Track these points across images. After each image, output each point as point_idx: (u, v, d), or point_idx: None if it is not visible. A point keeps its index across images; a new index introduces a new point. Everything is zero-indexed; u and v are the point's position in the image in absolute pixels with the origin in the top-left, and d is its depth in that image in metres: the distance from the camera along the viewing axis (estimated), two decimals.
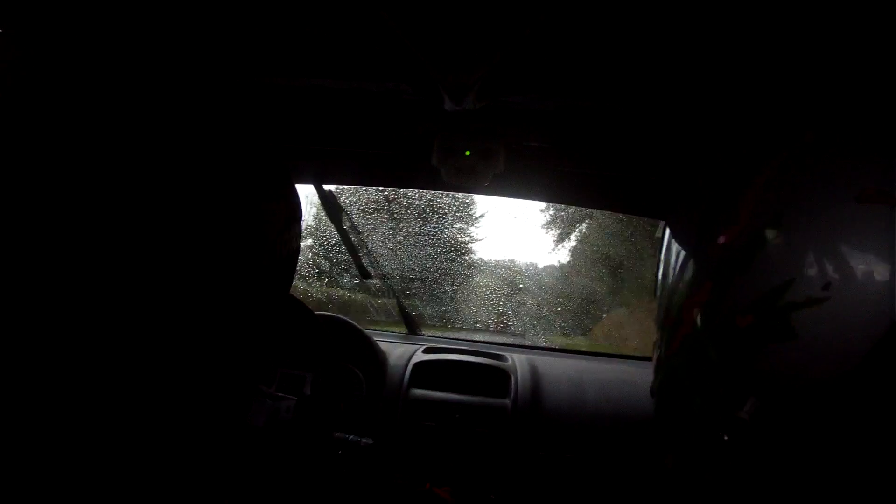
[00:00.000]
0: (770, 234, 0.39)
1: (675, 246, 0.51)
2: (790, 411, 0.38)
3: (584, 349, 1.71)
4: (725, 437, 0.41)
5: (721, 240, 0.43)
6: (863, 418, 0.36)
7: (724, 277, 0.42)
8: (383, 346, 1.48)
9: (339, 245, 1.73)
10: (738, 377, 0.41)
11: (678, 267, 0.48)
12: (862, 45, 0.48)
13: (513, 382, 1.38)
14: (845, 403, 0.37)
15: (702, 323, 0.43)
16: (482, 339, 1.71)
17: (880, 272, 0.36)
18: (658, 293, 0.54)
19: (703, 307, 0.43)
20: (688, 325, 0.45)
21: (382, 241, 2.51)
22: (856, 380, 0.36)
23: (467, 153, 0.91)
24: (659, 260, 0.55)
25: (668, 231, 0.54)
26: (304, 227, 0.62)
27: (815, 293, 0.37)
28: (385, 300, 1.99)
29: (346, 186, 1.84)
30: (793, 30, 0.54)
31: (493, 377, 1.40)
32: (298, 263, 0.61)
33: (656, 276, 0.56)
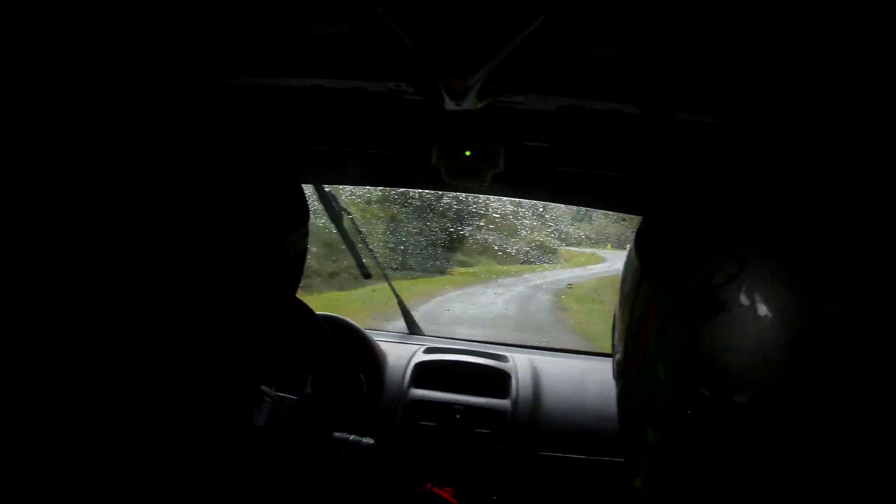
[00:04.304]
0: (694, 248, 0.46)
1: (628, 276, 0.56)
2: (738, 391, 0.40)
3: (585, 349, 1.71)
4: (689, 412, 0.43)
5: (656, 270, 0.49)
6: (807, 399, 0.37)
7: (662, 298, 0.47)
8: (383, 346, 1.48)
9: (340, 245, 1.73)
10: (686, 369, 0.43)
11: (631, 299, 0.53)
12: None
13: (513, 383, 1.37)
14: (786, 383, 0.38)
15: (654, 344, 0.47)
16: (483, 339, 1.71)
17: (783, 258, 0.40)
18: (614, 329, 0.58)
19: (652, 331, 0.48)
20: (641, 354, 0.49)
21: (383, 241, 2.50)
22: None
23: (467, 153, 0.91)
24: (620, 290, 0.58)
25: (626, 260, 0.59)
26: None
27: (731, 269, 0.42)
28: (385, 300, 1.99)
29: (346, 186, 1.84)
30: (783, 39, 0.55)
31: (493, 377, 1.40)
32: None
33: (615, 310, 0.59)
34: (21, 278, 0.42)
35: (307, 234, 0.58)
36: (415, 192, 2.29)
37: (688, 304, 0.44)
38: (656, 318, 0.47)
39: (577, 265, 4.89)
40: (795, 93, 0.63)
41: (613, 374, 0.57)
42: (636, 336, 0.50)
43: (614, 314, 0.59)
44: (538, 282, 4.58)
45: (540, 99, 0.77)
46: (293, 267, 0.55)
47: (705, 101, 0.72)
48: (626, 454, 0.53)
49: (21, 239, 0.42)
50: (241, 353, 0.52)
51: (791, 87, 0.63)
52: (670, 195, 0.54)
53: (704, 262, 0.44)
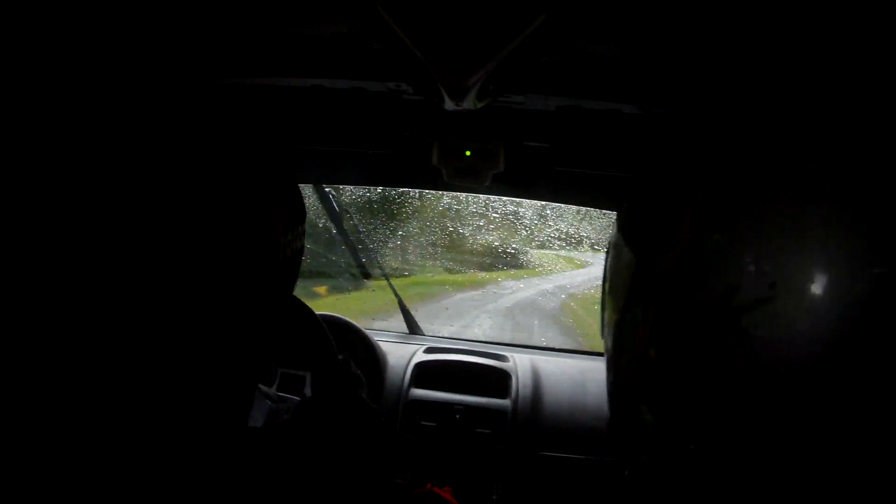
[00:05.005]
0: (711, 246, 0.41)
1: (617, 267, 0.51)
2: (753, 414, 0.39)
3: (585, 349, 1.71)
4: (692, 447, 0.42)
5: (662, 263, 0.44)
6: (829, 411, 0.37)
7: (669, 297, 0.43)
8: (384, 346, 1.48)
9: (340, 245, 1.73)
10: (698, 389, 0.41)
11: (622, 292, 0.49)
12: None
13: (514, 383, 1.37)
14: (806, 402, 0.38)
15: (652, 344, 0.44)
16: (483, 339, 1.71)
17: (821, 269, 0.37)
18: (604, 321, 0.55)
19: (651, 330, 0.44)
20: (638, 348, 0.46)
21: (383, 241, 2.50)
22: (814, 377, 0.37)
23: (467, 153, 0.91)
24: (604, 280, 0.55)
25: (612, 250, 0.54)
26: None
27: (762, 293, 0.38)
28: (386, 300, 1.99)
29: (346, 186, 1.84)
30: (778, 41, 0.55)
31: (494, 377, 1.40)
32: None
33: (602, 302, 0.56)
34: (10, 277, 0.42)
35: (304, 233, 0.58)
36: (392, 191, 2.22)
37: (702, 324, 0.40)
38: (656, 325, 0.43)
39: (552, 272, 3.88)
40: (796, 91, 0.63)
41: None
42: (633, 334, 0.46)
43: (602, 302, 0.56)
44: (521, 295, 3.68)
45: (540, 99, 0.77)
46: (289, 267, 0.55)
47: (705, 101, 0.72)
48: (619, 442, 0.52)
49: (11, 237, 0.42)
50: (236, 353, 0.52)
51: (791, 86, 0.63)
52: (678, 168, 0.47)
53: (724, 270, 0.39)
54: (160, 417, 0.47)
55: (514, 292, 3.73)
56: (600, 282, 0.57)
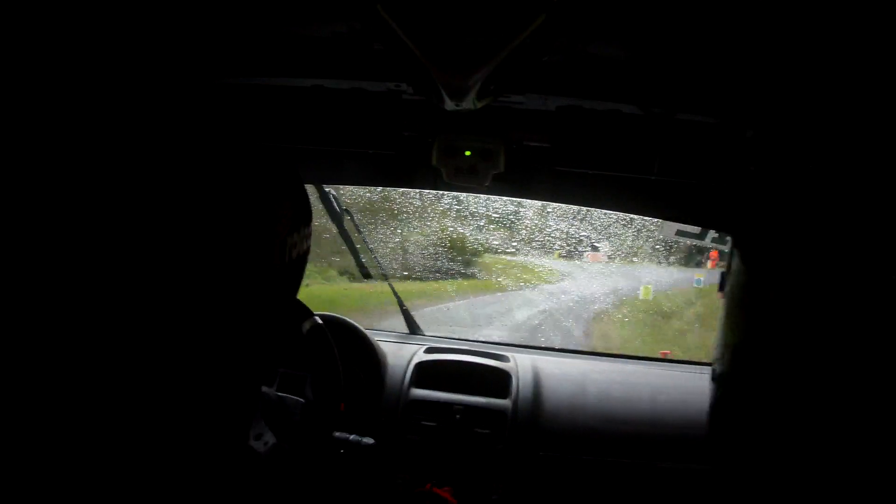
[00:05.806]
0: None
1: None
2: None
3: (586, 350, 1.71)
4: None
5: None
6: None
7: None
8: (384, 346, 1.48)
9: (340, 245, 1.73)
10: None
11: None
12: None
13: (514, 383, 1.38)
14: None
15: None
16: (484, 339, 1.71)
17: None
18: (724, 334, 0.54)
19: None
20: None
21: (383, 241, 2.50)
22: None
23: (467, 153, 0.91)
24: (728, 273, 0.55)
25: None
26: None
27: None
28: (386, 300, 1.99)
29: (346, 186, 1.84)
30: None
31: (494, 377, 1.40)
32: None
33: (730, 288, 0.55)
34: (13, 277, 0.42)
35: (310, 234, 0.57)
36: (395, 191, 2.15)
37: None
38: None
39: (522, 281, 3.09)
40: (794, 93, 0.63)
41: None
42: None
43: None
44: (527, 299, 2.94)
45: (540, 99, 0.77)
46: (294, 269, 0.54)
47: (705, 101, 0.72)
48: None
49: (16, 237, 0.42)
50: (241, 355, 0.52)
51: (790, 88, 0.63)
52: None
53: None
54: (164, 420, 0.47)
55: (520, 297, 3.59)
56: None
